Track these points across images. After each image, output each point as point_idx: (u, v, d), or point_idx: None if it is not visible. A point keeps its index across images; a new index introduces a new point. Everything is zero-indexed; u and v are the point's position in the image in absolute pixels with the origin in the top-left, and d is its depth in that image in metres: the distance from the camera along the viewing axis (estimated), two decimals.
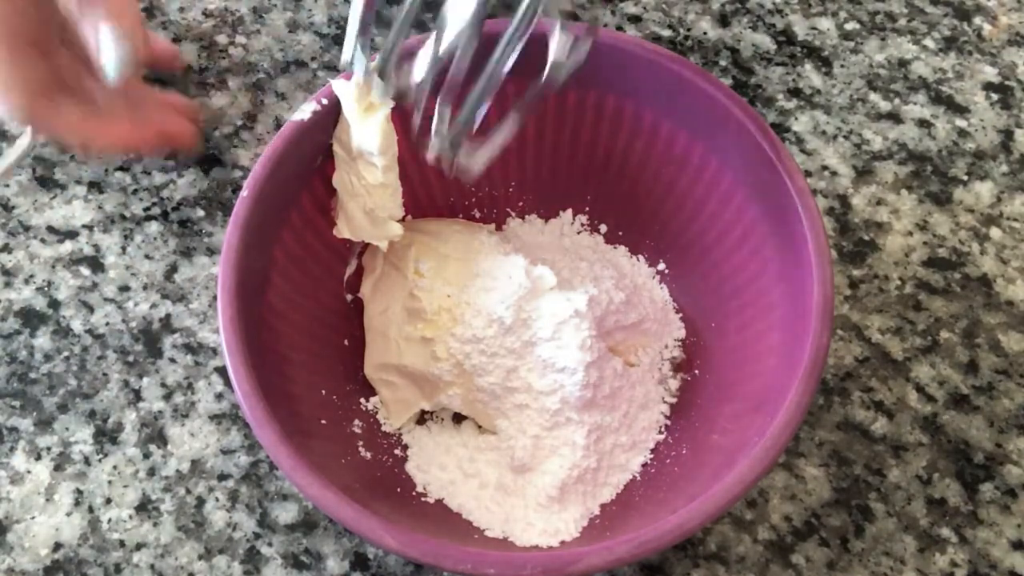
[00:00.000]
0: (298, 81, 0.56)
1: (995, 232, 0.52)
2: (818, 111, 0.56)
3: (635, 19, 0.59)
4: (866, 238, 0.52)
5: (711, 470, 0.39)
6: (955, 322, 0.50)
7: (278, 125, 0.54)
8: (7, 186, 0.51)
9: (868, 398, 0.47)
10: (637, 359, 0.46)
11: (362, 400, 0.46)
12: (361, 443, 0.44)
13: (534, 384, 0.43)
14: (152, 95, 0.50)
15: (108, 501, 0.44)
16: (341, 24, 0.58)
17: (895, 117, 0.56)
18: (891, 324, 0.49)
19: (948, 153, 0.55)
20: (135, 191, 0.52)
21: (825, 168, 0.54)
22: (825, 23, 0.60)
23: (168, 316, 0.48)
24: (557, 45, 0.37)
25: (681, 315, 0.48)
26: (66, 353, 0.47)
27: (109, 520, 0.44)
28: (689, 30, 0.59)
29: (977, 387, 0.48)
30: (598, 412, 0.43)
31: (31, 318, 0.48)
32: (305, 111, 0.43)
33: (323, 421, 0.42)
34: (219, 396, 0.47)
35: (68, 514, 0.44)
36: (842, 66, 0.58)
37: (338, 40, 0.57)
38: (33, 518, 0.44)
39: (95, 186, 0.52)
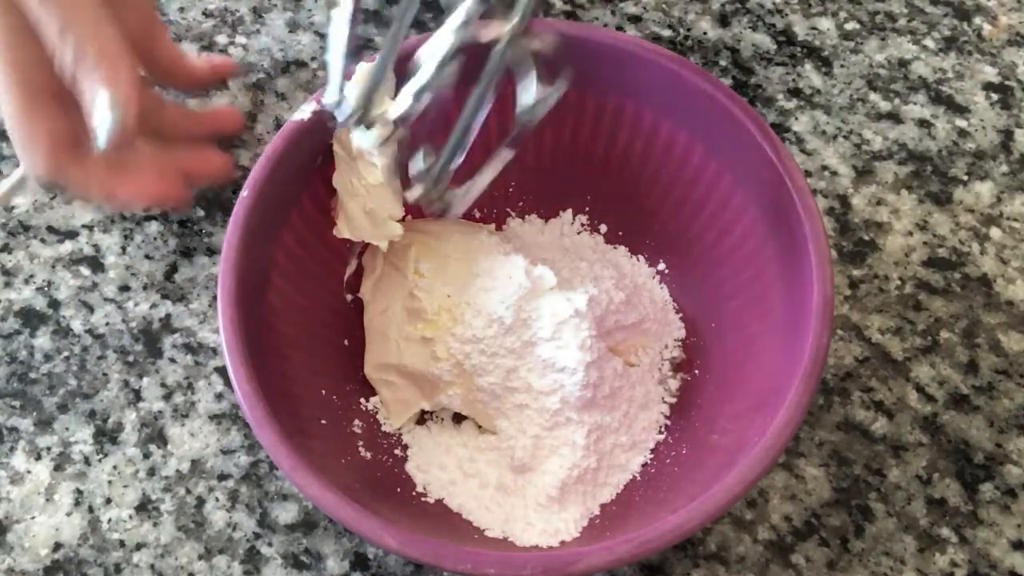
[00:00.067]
0: (298, 81, 0.56)
1: (995, 232, 0.52)
2: (818, 111, 0.56)
3: (635, 19, 0.59)
4: (866, 238, 0.52)
5: (711, 470, 0.39)
6: (955, 322, 0.50)
7: (278, 125, 0.54)
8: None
9: (868, 398, 0.47)
10: (637, 359, 0.46)
11: (362, 400, 0.46)
12: (361, 443, 0.44)
13: (534, 384, 0.43)
14: (183, 121, 0.48)
15: (108, 501, 0.44)
16: None
17: (895, 117, 0.56)
18: (891, 324, 0.49)
19: (948, 153, 0.55)
20: None
21: (825, 168, 0.54)
22: (825, 23, 0.59)
23: (168, 316, 0.48)
24: (526, 93, 0.37)
25: (681, 315, 0.48)
26: (66, 353, 0.47)
27: (109, 520, 0.44)
28: (689, 30, 0.59)
29: (977, 387, 0.48)
30: (598, 412, 0.43)
31: (31, 318, 0.48)
32: (305, 111, 0.43)
33: (323, 421, 0.42)
34: (219, 396, 0.47)
35: (68, 514, 0.44)
36: (842, 66, 0.58)
37: None
38: (33, 518, 0.44)
39: None
